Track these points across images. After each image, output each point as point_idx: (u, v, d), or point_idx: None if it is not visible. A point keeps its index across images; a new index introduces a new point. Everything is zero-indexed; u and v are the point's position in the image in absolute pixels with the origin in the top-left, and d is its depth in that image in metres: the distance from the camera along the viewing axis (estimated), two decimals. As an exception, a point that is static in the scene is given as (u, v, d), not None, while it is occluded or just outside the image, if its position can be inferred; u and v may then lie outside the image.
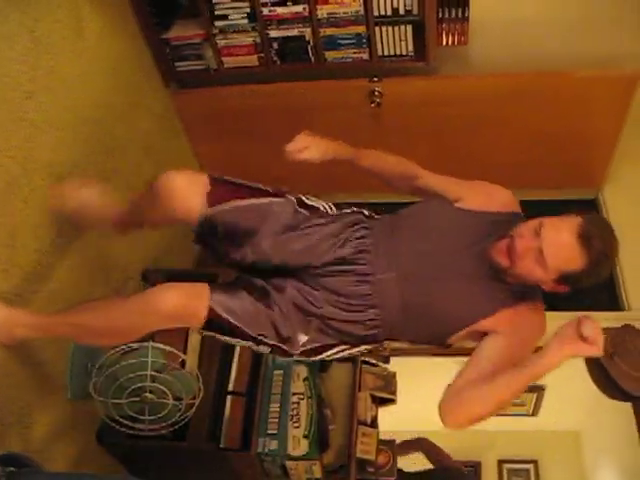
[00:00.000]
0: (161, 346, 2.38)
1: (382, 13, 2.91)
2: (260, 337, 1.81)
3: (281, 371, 2.85)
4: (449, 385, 1.75)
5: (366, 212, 1.96)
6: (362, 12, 2.91)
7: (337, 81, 3.20)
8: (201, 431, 2.73)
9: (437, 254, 1.78)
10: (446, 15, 2.89)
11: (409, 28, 2.95)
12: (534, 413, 4.74)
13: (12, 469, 1.74)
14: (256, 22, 2.99)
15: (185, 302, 1.74)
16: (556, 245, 1.60)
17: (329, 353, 1.87)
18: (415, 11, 2.89)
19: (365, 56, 3.08)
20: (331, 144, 2.01)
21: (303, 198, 1.97)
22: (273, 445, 2.71)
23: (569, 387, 3.97)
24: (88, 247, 2.59)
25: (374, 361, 3.17)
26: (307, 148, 1.98)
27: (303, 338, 1.82)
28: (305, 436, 2.70)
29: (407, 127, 3.30)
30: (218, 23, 3.01)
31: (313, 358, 1.90)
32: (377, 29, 2.96)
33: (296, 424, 2.73)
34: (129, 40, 2.98)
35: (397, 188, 2.03)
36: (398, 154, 3.33)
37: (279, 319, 1.80)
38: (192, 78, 3.31)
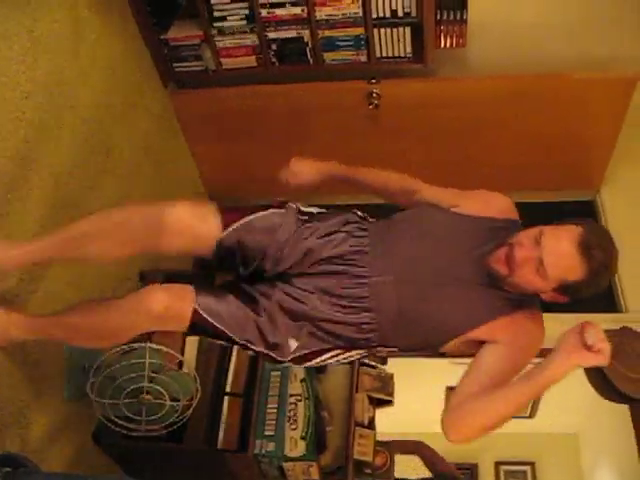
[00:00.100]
0: (158, 347, 2.38)
1: (380, 15, 2.92)
2: (245, 342, 1.79)
3: (278, 372, 2.85)
4: (450, 398, 1.73)
5: (359, 213, 1.94)
6: (360, 14, 2.92)
7: (335, 83, 3.20)
8: (198, 432, 2.73)
9: (434, 259, 1.76)
10: (444, 17, 2.90)
11: (407, 30, 2.96)
12: (531, 415, 4.73)
13: (9, 469, 1.74)
14: (254, 23, 3.00)
15: (169, 304, 1.72)
16: (556, 254, 1.58)
17: (321, 359, 1.83)
18: (413, 13, 2.90)
19: (363, 58, 3.09)
20: (324, 165, 2.02)
21: (300, 206, 1.94)
22: (270, 446, 2.70)
23: (566, 389, 3.95)
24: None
25: (371, 362, 3.17)
26: (300, 173, 1.99)
27: (294, 344, 1.79)
28: (302, 437, 2.70)
29: (405, 129, 3.30)
30: (217, 24, 3.02)
31: (304, 365, 1.88)
32: (375, 31, 2.97)
33: (293, 425, 2.73)
34: (128, 40, 2.98)
35: (395, 202, 2.01)
36: (395, 156, 3.36)
37: (266, 325, 1.77)
38: (191, 79, 3.32)
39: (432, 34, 2.91)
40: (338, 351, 1.82)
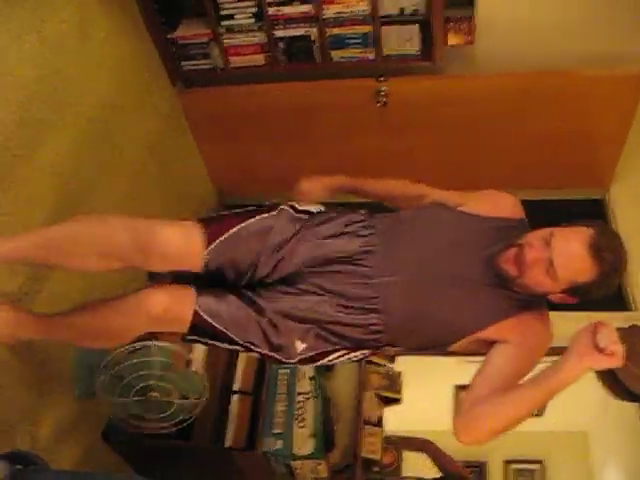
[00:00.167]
0: (167, 345, 2.38)
1: (389, 13, 2.91)
2: (248, 345, 1.77)
3: (287, 371, 2.86)
4: (461, 400, 1.72)
5: (362, 212, 1.91)
6: (369, 12, 2.90)
7: (343, 80, 3.20)
8: (206, 430, 2.74)
9: (442, 260, 1.75)
10: (453, 15, 2.89)
11: (416, 28, 2.95)
12: (540, 413, 4.72)
13: (19, 467, 1.74)
14: (262, 22, 2.99)
15: (168, 306, 1.71)
16: (567, 256, 1.57)
17: (328, 359, 1.81)
18: (422, 11, 2.89)
19: (371, 56, 3.08)
20: (332, 180, 2.01)
21: (295, 205, 1.91)
22: (279, 444, 2.71)
23: (576, 387, 3.94)
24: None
25: (379, 361, 3.17)
26: (310, 192, 1.99)
27: (300, 346, 1.77)
28: (311, 436, 2.71)
29: (413, 127, 3.29)
30: (225, 22, 3.02)
31: (311, 365, 1.87)
32: (383, 28, 2.96)
33: (302, 424, 2.73)
34: (135, 39, 2.99)
35: (402, 208, 2.01)
36: (403, 154, 3.37)
37: (269, 327, 1.75)
38: (198, 77, 3.32)
39: (440, 31, 2.90)
40: (345, 351, 1.80)
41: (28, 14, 2.23)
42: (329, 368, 2.97)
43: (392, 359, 3.22)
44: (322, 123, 3.34)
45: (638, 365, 2.65)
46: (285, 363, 1.82)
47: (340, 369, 3.04)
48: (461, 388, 4.43)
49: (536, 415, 4.69)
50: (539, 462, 5.04)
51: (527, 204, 1.90)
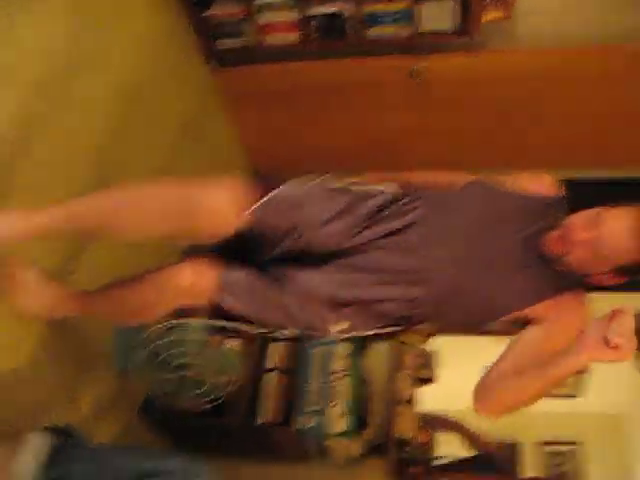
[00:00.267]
0: (202, 323, 2.40)
1: (425, -12, 2.86)
2: (276, 324, 1.76)
3: (322, 348, 2.86)
4: (485, 373, 1.72)
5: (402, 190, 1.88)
6: (405, -13, 2.86)
7: (378, 58, 3.16)
8: (241, 408, 2.76)
9: (486, 236, 1.73)
10: (491, -12, 2.83)
11: (452, 3, 2.89)
12: (576, 394, 4.68)
13: (59, 441, 1.77)
14: (297, -1, 2.96)
15: (195, 280, 1.70)
16: (615, 235, 1.55)
17: (363, 334, 1.81)
18: (459, -15, 2.84)
19: (407, 32, 3.03)
20: (387, 176, 1.98)
21: (331, 179, 1.88)
22: (312, 422, 2.72)
23: (613, 368, 3.91)
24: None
25: (413, 340, 3.16)
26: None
27: (334, 325, 1.76)
28: (344, 414, 2.71)
29: (450, 105, 3.25)
30: (259, 0, 2.99)
31: (344, 337, 1.85)
32: (419, 4, 2.91)
33: (335, 402, 2.74)
34: (169, 18, 2.98)
35: None
36: (440, 132, 3.32)
37: (295, 307, 1.73)
38: (232, 56, 3.30)
39: (478, 6, 2.84)
40: (382, 327, 1.80)
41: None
42: (364, 347, 2.97)
43: (426, 339, 3.21)
44: (357, 102, 3.31)
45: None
46: (317, 338, 1.82)
47: (374, 348, 3.04)
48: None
49: (572, 396, 4.67)
50: (573, 444, 5.01)
51: (568, 184, 1.87)
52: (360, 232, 1.74)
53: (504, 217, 1.76)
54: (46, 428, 1.86)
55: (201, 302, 1.77)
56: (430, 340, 3.24)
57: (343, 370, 2.81)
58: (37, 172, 2.12)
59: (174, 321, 2.43)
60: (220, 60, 3.35)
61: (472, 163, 3.34)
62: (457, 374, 3.59)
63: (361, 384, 2.84)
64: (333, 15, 3.00)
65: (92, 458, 1.74)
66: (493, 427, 3.77)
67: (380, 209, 1.78)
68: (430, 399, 3.25)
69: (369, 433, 2.89)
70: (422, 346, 3.18)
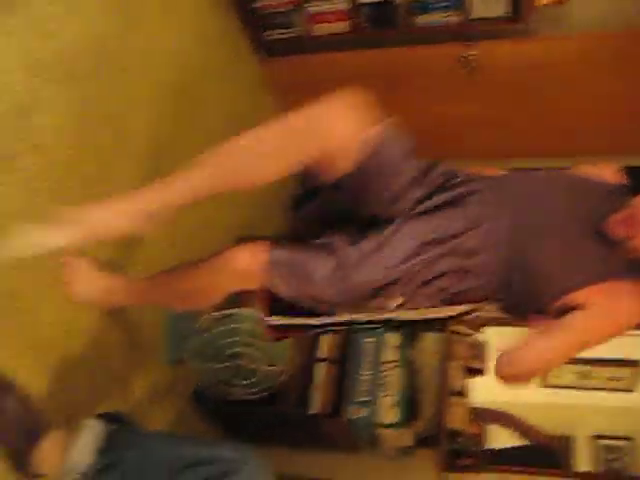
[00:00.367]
0: (255, 313, 2.42)
1: (476, -27, 2.82)
2: (329, 304, 1.72)
3: (373, 339, 2.85)
4: (517, 341, 1.70)
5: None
6: (455, -27, 2.83)
7: (429, 46, 3.13)
8: (292, 397, 2.78)
9: (549, 214, 1.68)
10: (544, -28, 2.77)
11: (504, -12, 2.85)
12: (631, 389, 4.58)
13: (114, 427, 1.80)
14: (346, -13, 2.95)
15: (251, 262, 1.68)
16: None
17: (417, 310, 1.75)
18: (511, -31, 2.79)
19: (458, 19, 2.99)
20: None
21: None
22: (363, 412, 2.72)
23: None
24: (184, 216, 2.64)
25: (466, 330, 3.13)
26: None
27: (393, 304, 1.71)
28: (395, 404, 2.71)
29: (502, 93, 3.20)
30: (308, -10, 2.99)
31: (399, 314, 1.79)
32: (471, -10, 2.87)
33: (387, 392, 2.73)
34: (219, 9, 3.00)
35: None
36: (492, 121, 3.27)
37: (354, 279, 1.65)
38: (281, 46, 3.30)
39: (531, -8, 2.79)
40: (436, 304, 1.75)
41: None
42: (415, 337, 2.96)
43: (478, 329, 3.17)
44: (408, 90, 3.28)
45: None
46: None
47: (426, 338, 3.02)
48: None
49: (628, 390, 4.57)
50: (629, 439, 4.90)
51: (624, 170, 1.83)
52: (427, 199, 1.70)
53: (571, 197, 1.72)
54: (100, 415, 1.89)
55: (254, 286, 1.75)
56: (481, 331, 3.20)
57: (394, 361, 2.80)
58: (85, 170, 2.15)
59: (227, 311, 2.45)
60: (269, 51, 3.36)
61: (523, 151, 3.30)
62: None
63: (412, 375, 2.83)
64: (383, 3, 2.98)
65: (145, 445, 1.76)
66: (545, 420, 3.72)
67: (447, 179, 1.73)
68: (481, 390, 3.21)
69: (419, 424, 2.88)
70: (474, 336, 3.15)
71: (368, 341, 2.86)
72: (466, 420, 2.94)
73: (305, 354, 2.86)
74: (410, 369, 2.82)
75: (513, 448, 3.55)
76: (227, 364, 2.47)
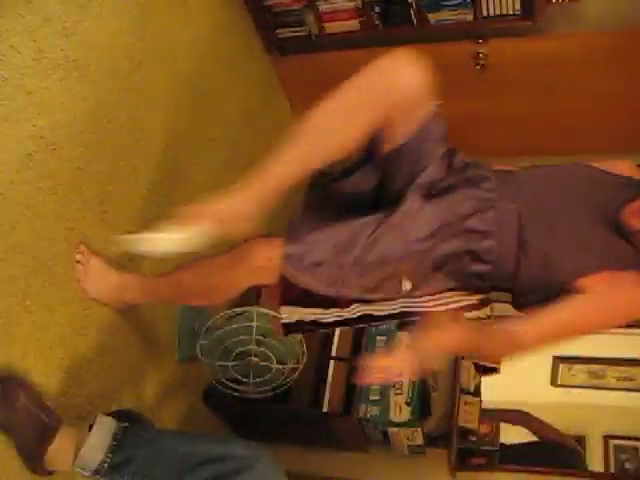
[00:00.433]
0: (266, 311, 2.42)
1: (487, -30, 2.81)
2: (342, 293, 1.70)
3: (384, 337, 2.85)
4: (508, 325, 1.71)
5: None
6: (466, -30, 2.81)
7: (440, 44, 3.11)
8: (303, 395, 2.78)
9: (562, 200, 1.68)
10: (556, -31, 2.76)
11: (516, -15, 2.83)
12: (645, 388, 4.55)
13: (126, 424, 1.81)
14: (357, -15, 2.94)
15: (266, 256, 1.69)
16: None
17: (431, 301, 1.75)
18: (522, -34, 2.77)
19: (469, 17, 2.98)
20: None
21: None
22: (375, 411, 2.72)
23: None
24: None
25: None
26: None
27: (406, 286, 1.69)
28: (407, 403, 2.70)
29: (514, 90, 3.18)
30: (319, -12, 2.99)
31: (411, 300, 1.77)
32: (482, -12, 2.86)
33: (398, 391, 2.73)
34: (231, 7, 3.01)
35: None
36: (504, 118, 3.25)
37: (372, 263, 1.65)
38: (293, 45, 3.30)
39: (544, -11, 2.78)
40: (449, 293, 1.74)
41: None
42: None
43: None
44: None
45: None
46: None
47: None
48: (559, 359, 4.33)
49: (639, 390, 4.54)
50: (641, 440, 4.87)
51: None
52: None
53: (587, 187, 1.71)
54: (112, 412, 1.90)
55: (269, 281, 1.74)
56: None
57: (406, 359, 2.79)
58: (100, 163, 2.16)
59: (239, 309, 2.45)
60: (281, 49, 3.35)
61: (535, 148, 3.28)
62: (520, 365, 3.53)
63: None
64: (395, 1, 2.97)
65: (156, 442, 1.76)
66: (557, 420, 3.70)
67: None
68: (493, 390, 3.20)
69: (432, 422, 2.87)
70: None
71: (380, 339, 2.86)
72: (479, 419, 2.93)
73: (317, 352, 2.85)
74: (422, 367, 2.81)
75: (526, 447, 3.54)
76: (239, 362, 2.48)
